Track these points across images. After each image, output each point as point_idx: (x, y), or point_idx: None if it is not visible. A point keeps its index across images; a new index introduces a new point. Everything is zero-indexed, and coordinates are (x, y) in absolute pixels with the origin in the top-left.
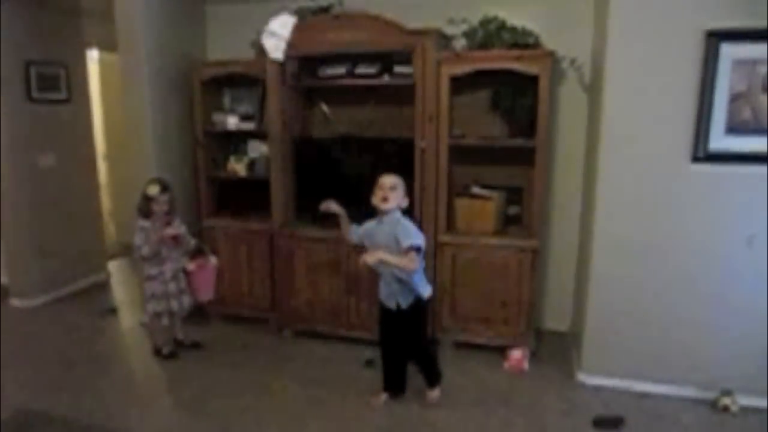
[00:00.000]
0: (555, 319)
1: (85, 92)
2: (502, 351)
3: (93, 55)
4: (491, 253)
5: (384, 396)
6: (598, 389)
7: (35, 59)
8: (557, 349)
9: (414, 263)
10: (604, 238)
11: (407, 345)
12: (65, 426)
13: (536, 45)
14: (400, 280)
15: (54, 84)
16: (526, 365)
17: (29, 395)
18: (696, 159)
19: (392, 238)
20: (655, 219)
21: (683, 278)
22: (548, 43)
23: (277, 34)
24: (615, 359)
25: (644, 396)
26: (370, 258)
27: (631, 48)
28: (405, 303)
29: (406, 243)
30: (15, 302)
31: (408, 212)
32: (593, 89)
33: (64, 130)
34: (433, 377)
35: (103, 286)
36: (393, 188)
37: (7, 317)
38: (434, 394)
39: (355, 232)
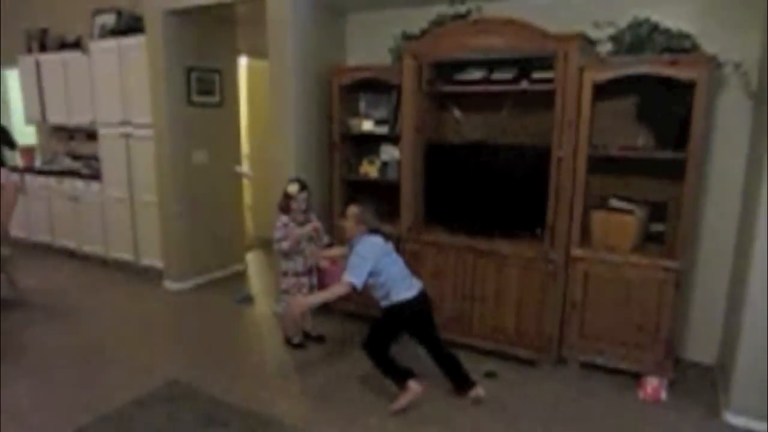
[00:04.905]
0: (698, 349)
1: (234, 96)
2: (635, 377)
3: (242, 62)
4: (629, 272)
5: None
6: None
7: (195, 66)
8: (700, 382)
9: (339, 288)
10: (765, 264)
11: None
12: (206, 401)
13: (693, 49)
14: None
15: (209, 88)
16: (663, 395)
17: (177, 369)
18: None
19: None
20: None
21: None
22: (707, 46)
23: None
24: None
25: None
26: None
27: None
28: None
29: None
30: (168, 285)
31: (539, 221)
32: (760, 97)
33: (216, 130)
34: (393, 380)
35: (242, 276)
36: (346, 218)
37: (162, 297)
38: (395, 405)
39: None
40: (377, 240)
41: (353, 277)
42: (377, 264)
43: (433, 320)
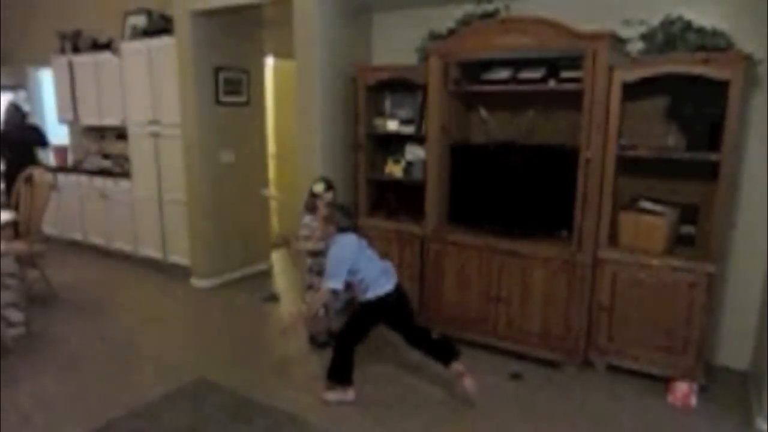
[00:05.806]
0: (730, 354)
1: (261, 96)
2: (664, 382)
3: (268, 62)
4: (658, 275)
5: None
6: None
7: (223, 66)
8: (732, 389)
9: (321, 296)
10: None
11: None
12: (232, 398)
13: (727, 47)
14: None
15: (236, 88)
16: (693, 401)
17: (203, 365)
18: None
19: None
20: None
21: None
22: (742, 44)
23: None
24: None
25: None
26: (296, 322)
27: None
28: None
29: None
30: (195, 282)
31: (565, 222)
32: None
33: (243, 130)
34: (332, 371)
35: (267, 274)
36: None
37: (189, 295)
38: (327, 394)
39: None
40: (350, 239)
41: (332, 282)
42: (354, 263)
43: (409, 307)
